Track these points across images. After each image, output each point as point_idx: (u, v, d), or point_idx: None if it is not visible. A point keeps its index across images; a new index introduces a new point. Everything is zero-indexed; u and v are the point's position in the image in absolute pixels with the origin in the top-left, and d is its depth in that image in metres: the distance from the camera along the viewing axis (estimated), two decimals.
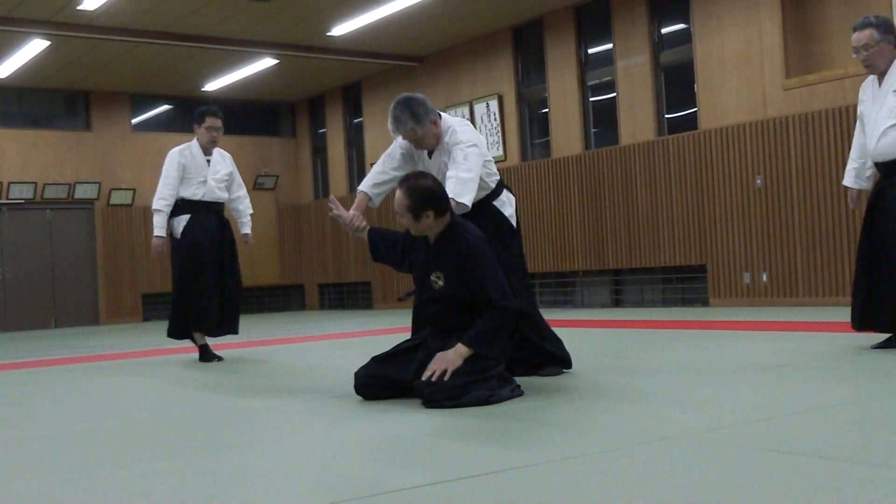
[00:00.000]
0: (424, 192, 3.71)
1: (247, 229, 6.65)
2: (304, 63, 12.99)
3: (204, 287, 6.23)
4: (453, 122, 4.31)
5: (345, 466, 2.63)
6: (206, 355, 6.27)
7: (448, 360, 3.60)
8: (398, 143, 4.45)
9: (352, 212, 4.23)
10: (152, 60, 12.41)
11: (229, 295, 6.34)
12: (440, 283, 3.79)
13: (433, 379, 3.57)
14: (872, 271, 4.64)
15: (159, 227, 6.25)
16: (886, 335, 4.71)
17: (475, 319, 3.70)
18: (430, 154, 4.36)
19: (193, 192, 6.29)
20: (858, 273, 4.74)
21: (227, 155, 6.58)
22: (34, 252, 13.61)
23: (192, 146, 6.36)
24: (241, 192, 6.62)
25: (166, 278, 14.53)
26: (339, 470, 2.59)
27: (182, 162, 6.30)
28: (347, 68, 13.49)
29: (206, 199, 6.32)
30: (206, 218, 6.31)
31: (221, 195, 6.42)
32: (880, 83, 4.70)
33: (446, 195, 3.81)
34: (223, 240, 6.37)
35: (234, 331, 6.47)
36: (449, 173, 4.10)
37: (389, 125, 4.24)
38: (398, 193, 3.79)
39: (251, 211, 6.72)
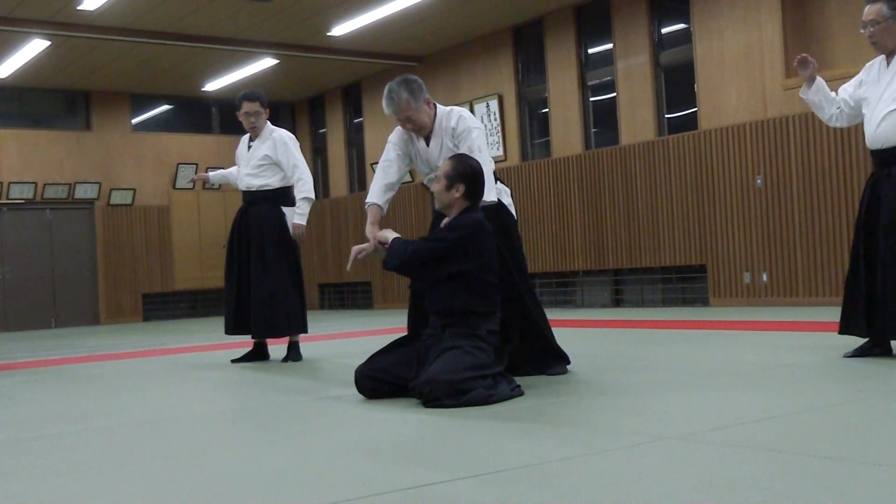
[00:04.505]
0: (467, 168, 3.93)
1: (295, 219, 5.83)
2: (304, 63, 12.99)
3: (226, 283, 6.04)
4: (456, 108, 4.42)
5: (345, 466, 2.63)
6: (242, 355, 6.02)
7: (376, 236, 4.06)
8: (392, 144, 4.48)
9: (369, 231, 4.25)
10: (152, 60, 12.41)
11: (260, 296, 5.79)
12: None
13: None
14: (860, 273, 4.38)
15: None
16: (862, 342, 4.47)
17: (473, 302, 3.82)
18: (427, 142, 4.38)
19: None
20: (850, 274, 4.48)
21: (280, 137, 5.92)
22: (34, 252, 13.61)
23: (248, 134, 6.08)
24: (295, 175, 5.84)
25: (166, 278, 14.57)
26: (340, 470, 2.59)
27: (237, 151, 6.17)
28: (347, 68, 13.49)
29: (241, 188, 6.05)
30: (240, 210, 6.06)
31: (252, 182, 5.93)
32: (888, 63, 4.37)
33: (482, 185, 3.97)
34: (248, 232, 5.90)
35: (261, 334, 5.92)
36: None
37: (384, 102, 4.31)
38: (444, 163, 4.01)
39: (305, 195, 5.81)
